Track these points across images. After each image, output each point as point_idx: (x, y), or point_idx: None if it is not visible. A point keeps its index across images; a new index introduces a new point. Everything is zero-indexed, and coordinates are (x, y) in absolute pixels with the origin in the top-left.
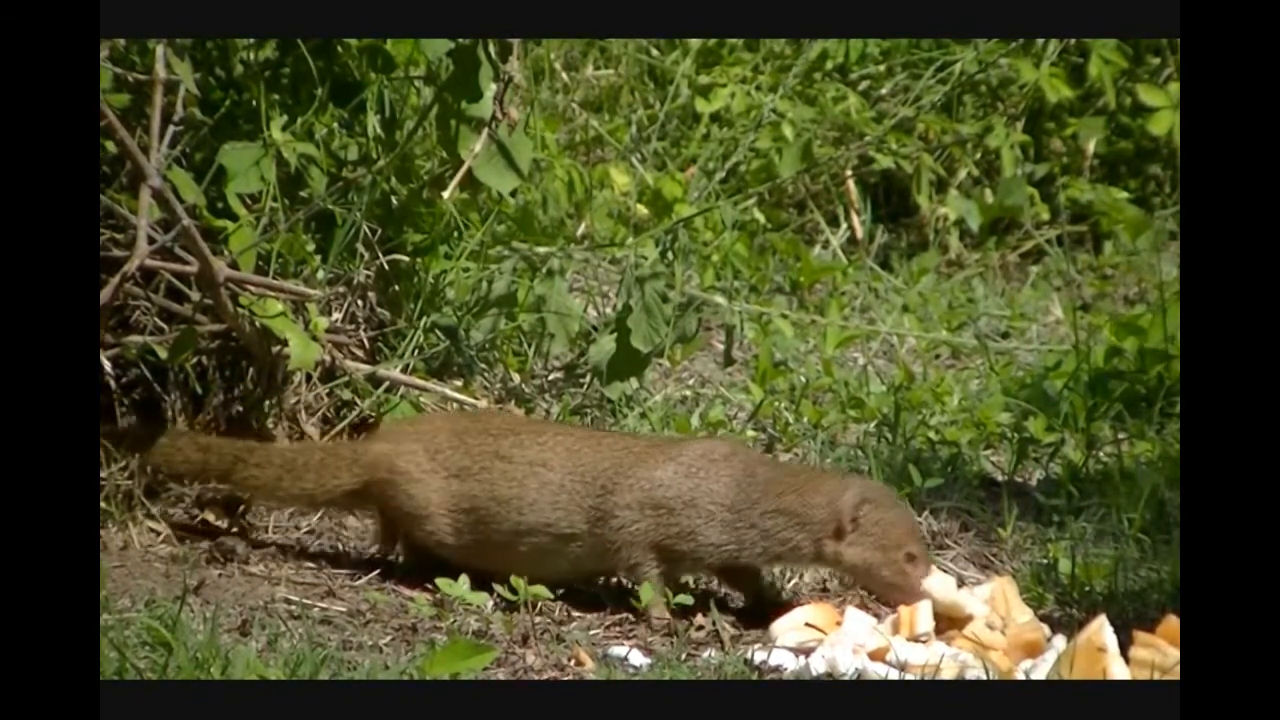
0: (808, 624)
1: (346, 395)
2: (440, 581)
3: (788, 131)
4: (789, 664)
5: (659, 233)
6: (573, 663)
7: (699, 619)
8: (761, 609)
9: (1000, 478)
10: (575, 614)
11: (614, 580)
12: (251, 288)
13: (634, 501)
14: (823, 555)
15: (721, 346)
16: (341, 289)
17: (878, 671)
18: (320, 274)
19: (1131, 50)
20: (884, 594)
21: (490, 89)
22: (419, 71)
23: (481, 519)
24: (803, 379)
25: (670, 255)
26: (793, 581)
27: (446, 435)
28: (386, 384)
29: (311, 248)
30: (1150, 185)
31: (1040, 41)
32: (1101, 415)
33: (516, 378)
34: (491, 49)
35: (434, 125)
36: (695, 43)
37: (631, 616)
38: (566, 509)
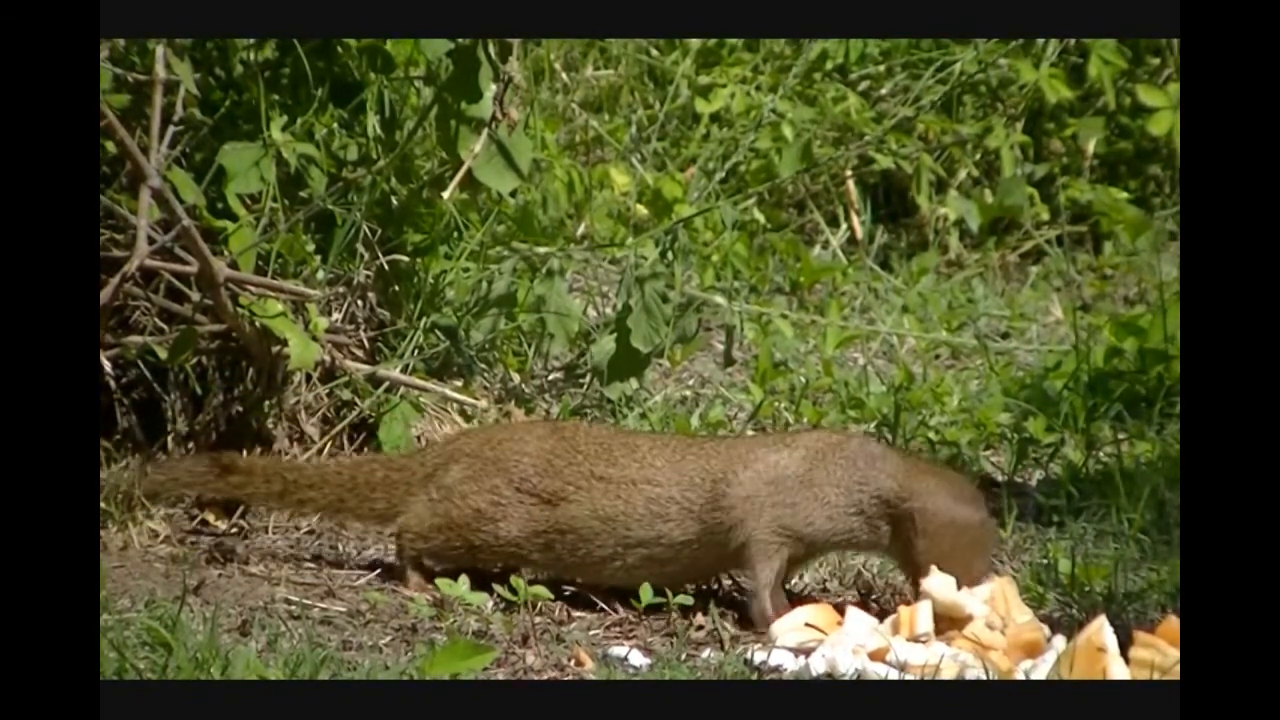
0: (808, 624)
1: (346, 395)
2: (440, 581)
3: (788, 131)
4: (789, 664)
5: (659, 233)
6: (573, 663)
7: (699, 619)
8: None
9: (1000, 478)
10: (575, 614)
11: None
12: (251, 288)
13: (749, 479)
14: (883, 543)
15: (721, 346)
16: (341, 289)
17: (878, 671)
18: (320, 274)
19: (1131, 51)
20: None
21: (490, 89)
22: (419, 71)
23: (582, 537)
24: (803, 379)
25: (670, 255)
26: (793, 581)
27: (532, 460)
28: (386, 384)
29: (311, 248)
30: (1150, 185)
31: (1040, 42)
32: (1101, 415)
33: (516, 378)
34: (491, 49)
35: (434, 125)
36: (695, 43)
37: (631, 617)
38: (679, 518)
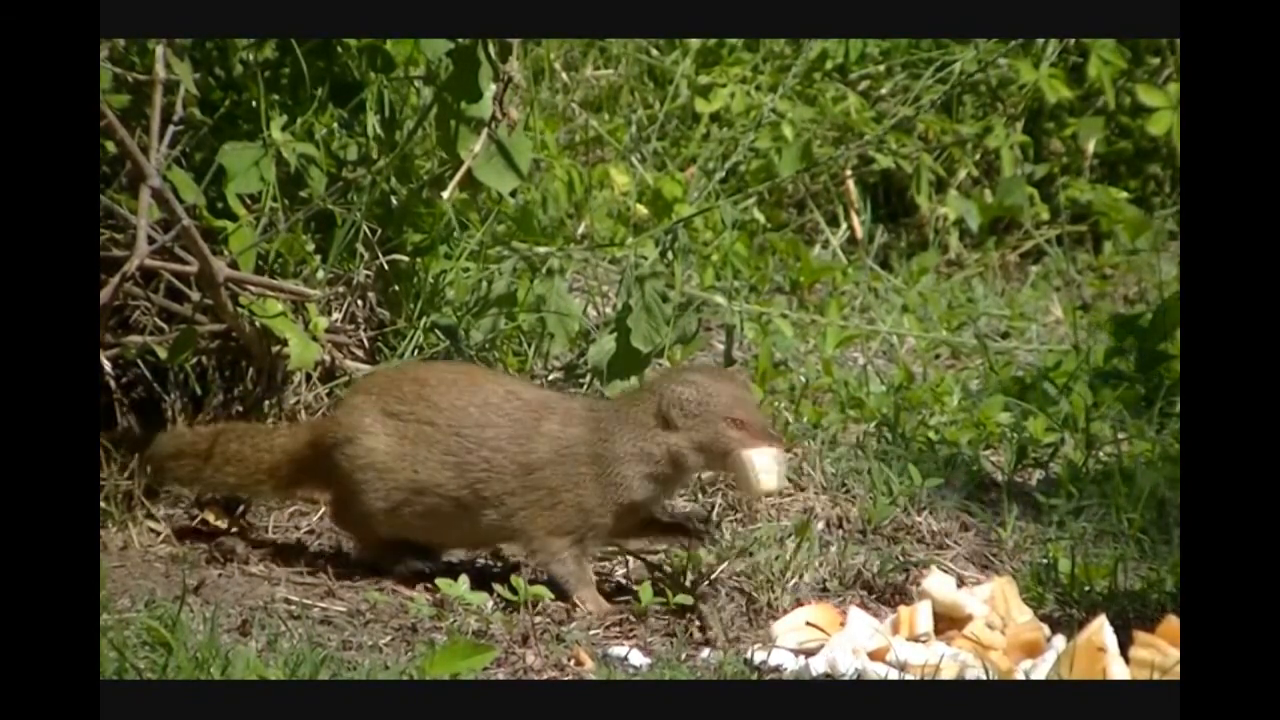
0: (809, 624)
1: None
2: (440, 581)
3: (788, 131)
4: (789, 664)
5: (659, 233)
6: (573, 663)
7: (699, 619)
8: (756, 604)
9: (1000, 478)
10: (575, 614)
11: (611, 580)
12: (251, 288)
13: (517, 487)
14: (670, 456)
15: (721, 346)
16: (341, 289)
17: (878, 671)
18: (320, 274)
19: (1131, 51)
20: (728, 470)
21: (490, 89)
22: (419, 71)
23: (381, 476)
24: (803, 379)
25: (670, 255)
26: (793, 581)
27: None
28: None
29: (311, 248)
30: (1150, 185)
31: (1040, 41)
32: (1101, 415)
33: None
34: (491, 49)
35: (434, 125)
36: (695, 43)
37: (631, 617)
38: (447, 467)
